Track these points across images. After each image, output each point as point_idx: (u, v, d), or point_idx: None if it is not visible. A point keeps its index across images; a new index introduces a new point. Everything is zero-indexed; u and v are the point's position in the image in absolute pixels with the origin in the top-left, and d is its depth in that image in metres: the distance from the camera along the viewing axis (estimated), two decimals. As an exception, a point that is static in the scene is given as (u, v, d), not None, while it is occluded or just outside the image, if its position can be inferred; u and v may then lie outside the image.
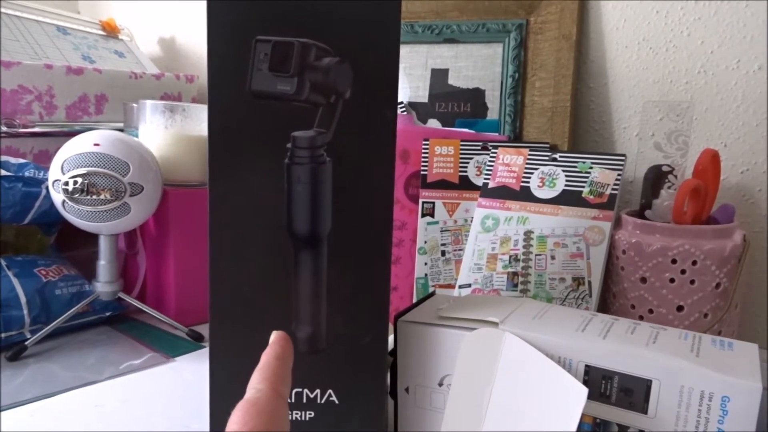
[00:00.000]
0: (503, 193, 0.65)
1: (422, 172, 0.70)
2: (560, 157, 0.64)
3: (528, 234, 0.62)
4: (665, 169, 0.60)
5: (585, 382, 0.36)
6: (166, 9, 1.14)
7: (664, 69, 0.69)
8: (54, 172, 0.61)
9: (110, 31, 1.05)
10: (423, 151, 0.70)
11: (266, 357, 0.33)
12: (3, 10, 0.89)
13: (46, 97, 0.80)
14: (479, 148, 0.69)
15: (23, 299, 0.62)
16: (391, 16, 0.37)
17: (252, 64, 0.37)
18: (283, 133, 0.38)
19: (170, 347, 0.64)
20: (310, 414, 0.41)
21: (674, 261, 0.55)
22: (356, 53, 0.38)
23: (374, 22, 0.37)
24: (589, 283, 0.58)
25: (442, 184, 0.69)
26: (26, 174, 0.67)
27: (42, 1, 0.98)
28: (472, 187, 0.68)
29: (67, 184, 0.60)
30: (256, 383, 0.30)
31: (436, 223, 0.69)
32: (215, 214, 0.39)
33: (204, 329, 0.66)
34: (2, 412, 0.49)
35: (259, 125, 0.38)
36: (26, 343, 0.60)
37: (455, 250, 0.68)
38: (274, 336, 0.35)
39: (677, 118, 0.60)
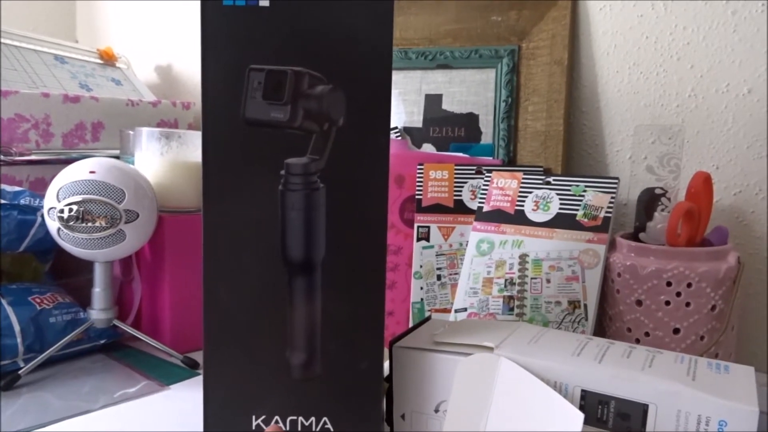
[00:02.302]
0: (498, 216, 0.65)
1: (417, 197, 0.70)
2: (554, 180, 0.65)
3: (523, 257, 0.62)
4: (658, 191, 0.61)
5: (581, 407, 0.36)
6: (164, 37, 1.16)
7: (654, 93, 0.70)
8: (49, 200, 0.61)
9: (108, 59, 1.06)
10: (418, 175, 0.70)
11: None
12: (3, 40, 0.90)
13: (42, 125, 0.80)
14: (474, 172, 0.70)
15: (17, 327, 0.62)
16: (384, 43, 0.38)
17: (246, 93, 0.38)
18: (277, 160, 0.39)
19: (165, 375, 0.63)
20: (305, 442, 0.41)
21: (669, 283, 0.55)
22: (349, 81, 0.38)
23: (367, 49, 0.38)
24: (585, 306, 0.58)
25: (437, 209, 0.69)
26: (22, 202, 0.67)
27: (39, 30, 0.99)
28: (467, 210, 0.69)
29: (62, 211, 0.60)
30: None
31: (432, 247, 0.69)
32: (209, 240, 0.39)
33: (199, 356, 0.66)
34: (-6, 443, 0.49)
35: (253, 152, 0.39)
36: (20, 372, 0.60)
37: (451, 274, 0.68)
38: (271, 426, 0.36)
39: (669, 141, 0.61)
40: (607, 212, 0.61)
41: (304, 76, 0.38)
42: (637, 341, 0.57)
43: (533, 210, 0.64)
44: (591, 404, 0.36)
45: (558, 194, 0.64)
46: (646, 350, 0.40)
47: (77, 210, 0.60)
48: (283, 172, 0.39)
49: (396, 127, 0.79)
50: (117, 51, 1.09)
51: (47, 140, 0.81)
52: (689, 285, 0.54)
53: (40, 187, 0.77)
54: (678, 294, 0.54)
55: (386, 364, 0.42)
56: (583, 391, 0.36)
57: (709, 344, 0.54)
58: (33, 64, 0.92)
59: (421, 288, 0.69)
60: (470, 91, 0.77)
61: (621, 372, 0.36)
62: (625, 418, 0.35)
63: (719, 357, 0.56)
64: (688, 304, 0.54)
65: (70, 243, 0.62)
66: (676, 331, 0.55)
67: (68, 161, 0.65)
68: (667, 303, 0.55)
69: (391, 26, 0.38)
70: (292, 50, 0.38)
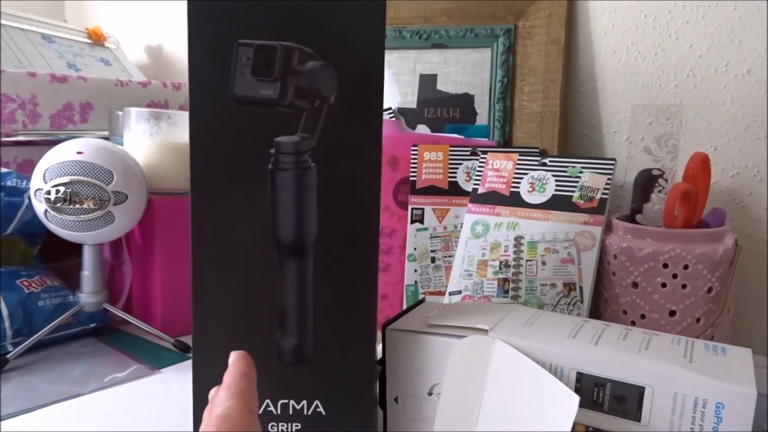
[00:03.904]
0: (493, 198, 0.65)
1: (411, 179, 0.69)
2: (550, 161, 0.64)
3: (518, 240, 0.62)
4: (655, 173, 0.60)
5: (577, 390, 0.36)
6: (153, 17, 1.14)
7: (653, 73, 0.69)
8: (36, 181, 0.60)
9: (96, 39, 1.04)
10: (412, 157, 0.69)
11: (231, 376, 0.32)
12: (-13, 18, 0.88)
13: (29, 106, 0.79)
14: (468, 153, 0.69)
15: (5, 311, 0.61)
16: (376, 18, 0.37)
17: (234, 69, 0.37)
18: (267, 139, 0.38)
19: (156, 359, 0.62)
20: (296, 426, 0.40)
21: (666, 265, 0.54)
22: (341, 57, 0.37)
23: (358, 25, 0.37)
24: (581, 288, 0.58)
25: (432, 190, 0.69)
26: (8, 184, 0.66)
27: (28, 10, 0.97)
28: (462, 192, 0.68)
29: (49, 193, 0.59)
30: (225, 400, 0.30)
31: (426, 229, 0.68)
32: (198, 223, 0.38)
33: (191, 340, 0.65)
34: (-19, 428, 0.48)
35: (242, 132, 0.38)
36: (8, 356, 0.59)
37: (445, 257, 0.67)
38: (235, 356, 0.34)
39: (666, 121, 0.60)
40: (603, 194, 0.60)
41: (295, 52, 0.36)
42: (633, 324, 0.56)
43: (529, 192, 0.63)
44: (587, 387, 0.36)
45: (554, 176, 0.63)
46: (642, 332, 0.39)
47: (64, 191, 0.59)
48: (273, 150, 0.38)
49: (390, 108, 0.78)
50: (106, 31, 1.07)
51: (34, 121, 0.79)
52: (686, 267, 0.54)
53: (27, 169, 0.75)
54: (674, 276, 0.54)
55: (379, 347, 0.42)
56: (578, 373, 0.36)
57: (705, 326, 0.54)
58: (19, 43, 0.90)
59: (415, 270, 0.68)
60: (465, 71, 0.76)
61: (617, 354, 0.36)
62: (621, 400, 0.35)
63: (715, 339, 0.55)
64: (684, 287, 0.54)
65: (58, 225, 0.60)
66: (672, 313, 0.55)
67: (56, 142, 0.64)
68: (664, 285, 0.54)
69: (384, 2, 0.37)
70: (281, 25, 0.37)
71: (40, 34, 0.95)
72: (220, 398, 0.30)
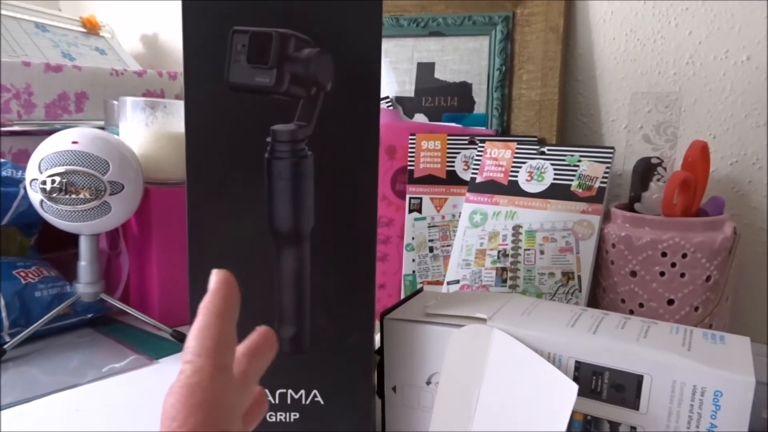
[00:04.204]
0: (491, 187, 0.64)
1: (409, 168, 0.69)
2: (548, 150, 0.63)
3: (516, 229, 0.61)
4: (654, 161, 0.59)
5: (575, 379, 0.36)
6: (149, 6, 1.13)
7: (652, 60, 0.69)
8: (31, 171, 0.60)
9: (91, 28, 1.03)
10: (410, 146, 0.69)
11: (205, 315, 0.26)
12: (-20, 7, 0.87)
13: (24, 95, 0.78)
14: (466, 142, 0.68)
15: (2, 302, 0.60)
16: (373, 6, 0.36)
17: (229, 56, 0.36)
18: (263, 127, 0.37)
19: (154, 349, 0.62)
20: (294, 415, 0.40)
21: (664, 254, 0.54)
22: (337, 44, 0.37)
23: (355, 12, 0.36)
24: (579, 277, 0.58)
25: (429, 180, 0.68)
26: (3, 174, 0.65)
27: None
28: (460, 182, 0.67)
29: (44, 183, 0.58)
30: (194, 355, 0.25)
31: (424, 219, 0.68)
32: (194, 213, 0.38)
33: (188, 330, 0.65)
34: (-21, 419, 0.48)
35: (238, 120, 0.37)
36: (5, 346, 0.59)
37: (443, 246, 0.67)
38: (215, 281, 0.28)
39: (666, 109, 0.60)
40: (602, 182, 0.60)
41: (290, 39, 0.36)
42: (631, 312, 0.56)
43: (527, 181, 0.63)
44: (585, 375, 0.36)
45: (552, 164, 0.62)
46: (641, 321, 0.39)
47: (60, 181, 0.58)
48: (269, 139, 0.37)
49: (387, 97, 0.77)
50: (100, 19, 1.06)
51: (29, 111, 0.79)
52: (684, 256, 0.53)
53: (22, 159, 0.75)
54: (673, 265, 0.54)
55: (377, 337, 0.42)
56: (577, 362, 0.36)
57: (704, 315, 0.54)
58: (13, 32, 0.89)
59: (413, 260, 0.68)
60: (463, 59, 0.75)
61: (615, 343, 0.36)
62: (620, 389, 0.35)
63: (713, 328, 0.55)
64: (682, 275, 0.54)
65: (54, 215, 0.60)
66: (671, 302, 0.55)
67: (51, 132, 0.63)
68: (662, 274, 0.54)
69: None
70: (277, 11, 0.36)
71: (33, 23, 0.94)
72: (188, 348, 0.26)
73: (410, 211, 0.68)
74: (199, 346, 0.26)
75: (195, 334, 0.26)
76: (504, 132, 0.73)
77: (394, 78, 0.78)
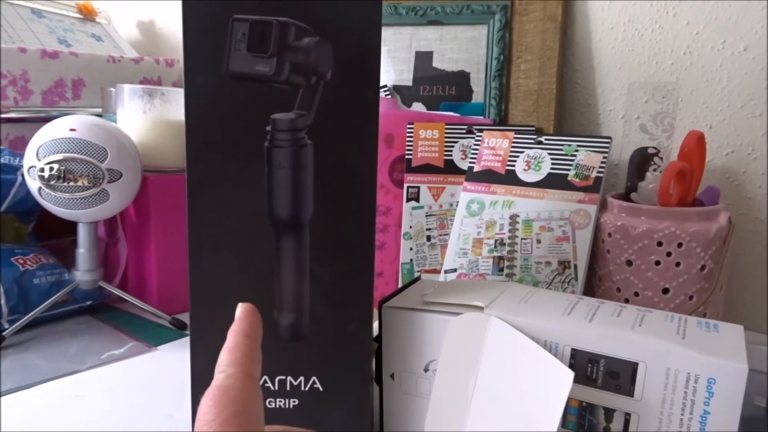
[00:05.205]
0: (488, 176, 0.65)
1: (407, 157, 0.69)
2: (546, 140, 0.64)
3: (513, 218, 0.62)
4: (651, 151, 0.60)
5: (571, 366, 0.36)
6: (145, -8, 1.12)
7: (649, 50, 0.69)
8: (29, 159, 0.59)
9: (87, 14, 1.02)
10: (407, 135, 0.69)
11: (234, 336, 0.30)
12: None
13: (20, 82, 0.78)
14: (464, 131, 0.68)
15: (0, 289, 0.61)
16: (373, -6, 0.36)
17: (229, 45, 0.36)
18: (263, 116, 0.37)
19: (153, 336, 0.63)
20: (294, 401, 0.41)
21: (660, 243, 0.54)
22: (337, 33, 0.37)
23: (355, 0, 0.36)
24: (575, 266, 0.58)
25: (427, 169, 0.68)
26: (1, 161, 0.65)
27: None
28: (458, 171, 0.68)
29: (42, 170, 0.58)
30: (226, 366, 0.28)
31: (421, 207, 0.68)
32: (194, 200, 0.38)
33: (187, 317, 0.65)
34: (-21, 405, 0.48)
35: (238, 109, 0.37)
36: (4, 333, 0.59)
37: (441, 235, 0.67)
38: (241, 310, 0.32)
39: (663, 99, 0.60)
40: (598, 172, 0.60)
41: (291, 27, 0.36)
42: (627, 301, 0.57)
43: (524, 170, 0.63)
44: (581, 363, 0.36)
45: (549, 154, 0.63)
46: (636, 309, 0.40)
47: (58, 169, 0.58)
48: (269, 128, 0.37)
49: (385, 86, 0.77)
50: (97, 6, 1.05)
51: (26, 97, 0.78)
52: (680, 245, 0.54)
53: (19, 146, 0.75)
54: (668, 254, 0.54)
55: (375, 325, 0.42)
56: (573, 349, 0.36)
57: (698, 304, 0.55)
58: (9, 17, 0.88)
59: (411, 249, 0.68)
60: (461, 48, 0.75)
61: (611, 331, 0.36)
62: (615, 376, 0.35)
63: (708, 316, 0.56)
64: (678, 264, 0.54)
65: (52, 203, 0.60)
66: (666, 291, 0.55)
67: (48, 119, 0.63)
68: (657, 263, 0.55)
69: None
70: (277, 0, 0.36)
71: (29, 9, 0.93)
72: (221, 362, 0.29)
73: (408, 200, 0.69)
74: (230, 359, 0.29)
75: (225, 352, 0.29)
76: (502, 121, 0.74)
77: (392, 67, 0.78)
